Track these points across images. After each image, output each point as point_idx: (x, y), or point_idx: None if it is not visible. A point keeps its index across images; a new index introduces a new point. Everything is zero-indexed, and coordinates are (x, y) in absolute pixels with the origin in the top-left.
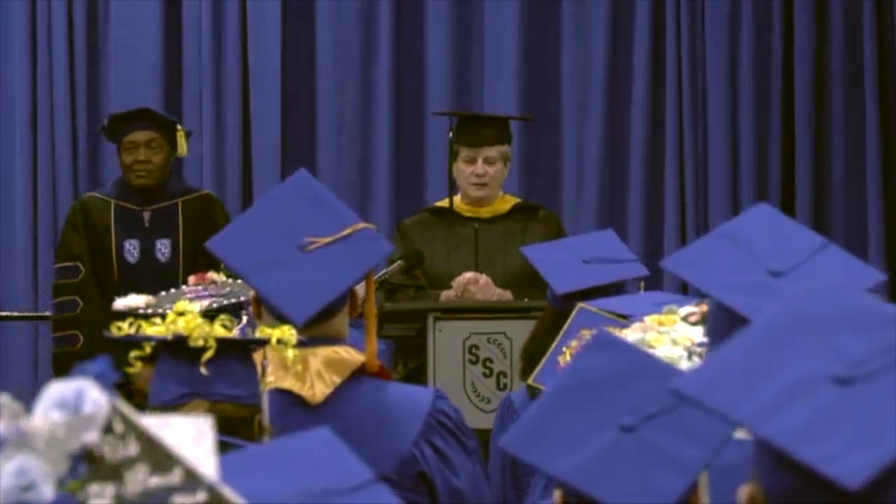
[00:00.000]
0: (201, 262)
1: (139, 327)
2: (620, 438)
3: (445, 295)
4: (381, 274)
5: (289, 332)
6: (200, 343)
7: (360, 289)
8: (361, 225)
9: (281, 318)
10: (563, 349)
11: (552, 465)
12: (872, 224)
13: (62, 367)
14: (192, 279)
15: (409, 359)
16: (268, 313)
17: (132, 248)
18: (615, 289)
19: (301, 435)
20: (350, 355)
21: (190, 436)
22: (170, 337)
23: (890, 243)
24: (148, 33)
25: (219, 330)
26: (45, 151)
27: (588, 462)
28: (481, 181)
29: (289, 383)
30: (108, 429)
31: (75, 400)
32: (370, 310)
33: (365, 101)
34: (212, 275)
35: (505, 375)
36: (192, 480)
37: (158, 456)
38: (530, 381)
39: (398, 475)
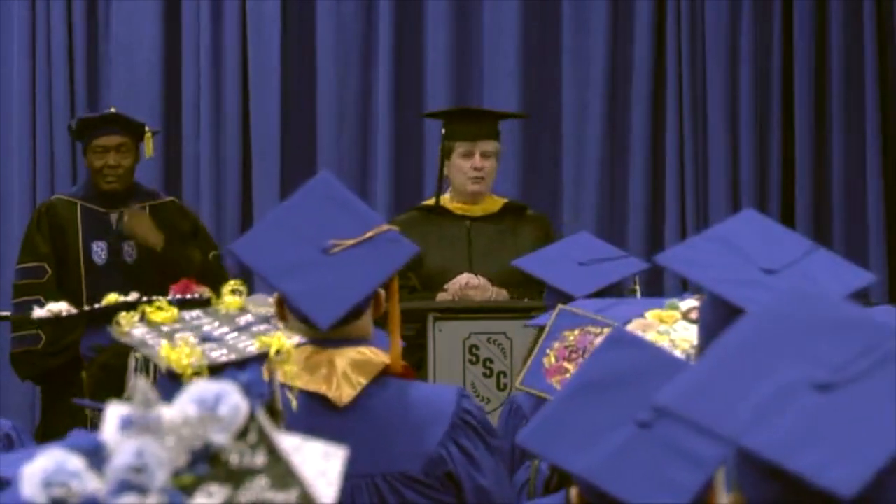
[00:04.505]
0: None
1: (143, 314)
2: (637, 434)
3: (441, 298)
4: None
5: (284, 341)
6: (193, 378)
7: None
8: (385, 227)
9: (305, 321)
10: (547, 350)
11: (569, 461)
12: (872, 224)
13: (22, 367)
14: (174, 288)
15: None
16: (292, 316)
17: (100, 250)
18: (615, 287)
19: None
20: (375, 356)
21: (318, 463)
22: (163, 371)
23: (890, 244)
24: (148, 33)
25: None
26: (43, 152)
27: (605, 458)
28: (479, 175)
29: (315, 385)
30: (241, 435)
31: (214, 399)
32: (394, 311)
33: (365, 101)
34: (193, 286)
35: (505, 375)
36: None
37: (282, 473)
38: (517, 384)
39: (426, 475)
